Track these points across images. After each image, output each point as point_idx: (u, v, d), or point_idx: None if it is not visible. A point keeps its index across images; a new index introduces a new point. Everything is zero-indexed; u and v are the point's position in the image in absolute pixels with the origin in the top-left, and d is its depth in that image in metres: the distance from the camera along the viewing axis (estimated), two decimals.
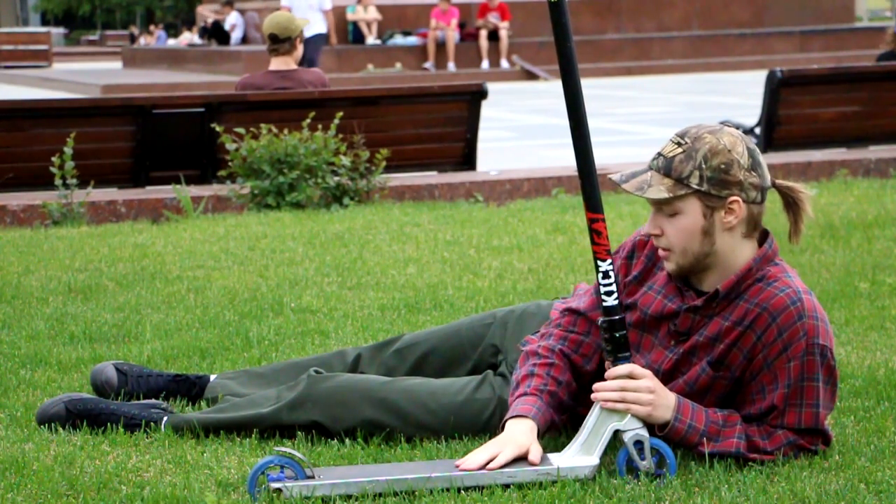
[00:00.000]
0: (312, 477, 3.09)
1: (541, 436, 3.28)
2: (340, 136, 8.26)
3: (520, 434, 3.23)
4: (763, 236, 3.35)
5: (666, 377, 3.33)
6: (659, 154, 3.27)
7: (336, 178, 8.17)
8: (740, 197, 3.23)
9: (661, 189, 3.22)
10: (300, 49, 8.56)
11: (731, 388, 3.32)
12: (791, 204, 3.36)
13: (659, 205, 3.25)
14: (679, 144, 3.25)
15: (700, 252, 3.27)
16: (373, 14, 26.13)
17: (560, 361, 3.41)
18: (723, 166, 3.21)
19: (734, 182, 3.22)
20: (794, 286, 3.28)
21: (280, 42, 8.42)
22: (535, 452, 3.19)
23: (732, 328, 3.27)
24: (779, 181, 3.35)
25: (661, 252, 3.32)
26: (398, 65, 25.27)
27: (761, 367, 3.26)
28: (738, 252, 3.29)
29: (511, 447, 3.19)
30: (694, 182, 3.21)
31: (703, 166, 3.21)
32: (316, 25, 17.50)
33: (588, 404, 3.27)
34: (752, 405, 3.28)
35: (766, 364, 3.25)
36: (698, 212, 3.24)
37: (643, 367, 3.32)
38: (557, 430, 3.46)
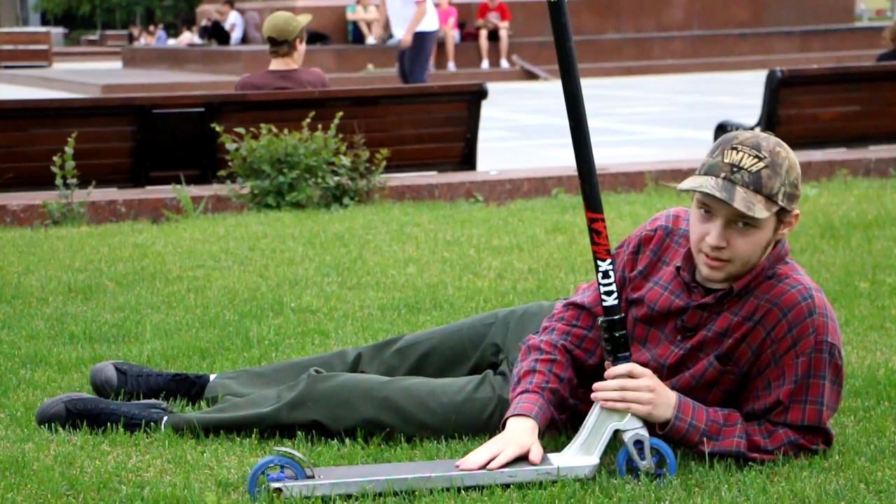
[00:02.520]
0: (312, 477, 3.09)
1: (541, 435, 3.28)
2: (340, 136, 8.26)
3: (521, 433, 3.23)
4: None
5: (671, 371, 3.33)
6: (737, 168, 3.18)
7: (336, 178, 8.17)
8: (798, 210, 3.26)
9: (761, 209, 3.17)
10: (301, 49, 8.56)
11: (737, 382, 3.32)
12: None
13: (740, 219, 3.21)
14: (759, 158, 3.19)
15: (755, 262, 3.27)
16: (373, 14, 26.13)
17: (562, 357, 3.41)
18: (795, 181, 3.23)
19: (798, 196, 3.25)
20: (805, 283, 3.29)
21: (279, 44, 8.42)
22: (536, 452, 3.19)
23: (742, 323, 3.27)
24: None
25: (714, 262, 3.25)
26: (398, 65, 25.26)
27: (769, 363, 3.27)
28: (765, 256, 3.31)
29: (512, 446, 3.19)
30: (780, 199, 3.20)
31: (786, 182, 3.20)
32: (422, 21, 14.59)
33: (591, 401, 3.27)
34: (758, 400, 3.28)
35: (773, 359, 3.26)
36: (772, 227, 3.24)
37: (648, 361, 3.33)
38: (557, 429, 3.46)
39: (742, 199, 3.16)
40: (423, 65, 14.68)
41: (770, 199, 3.19)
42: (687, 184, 3.21)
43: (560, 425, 3.48)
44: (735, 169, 3.19)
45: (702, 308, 3.32)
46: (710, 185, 3.18)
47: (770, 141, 3.24)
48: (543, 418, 3.29)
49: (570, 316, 3.49)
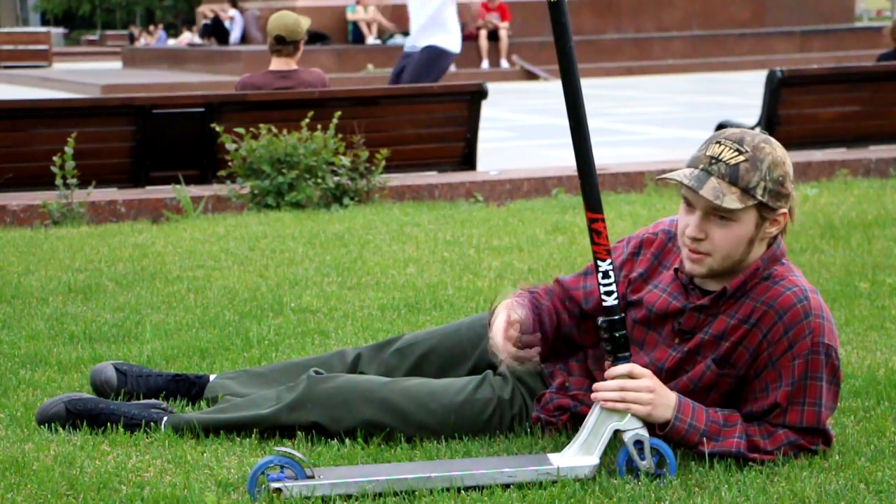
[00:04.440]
0: (312, 477, 3.09)
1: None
2: (340, 135, 8.26)
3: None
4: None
5: (669, 375, 3.33)
6: (716, 159, 3.21)
7: (336, 178, 8.17)
8: (786, 209, 3.25)
9: (733, 199, 3.19)
10: (301, 51, 8.58)
11: (735, 385, 3.32)
12: None
13: (715, 210, 3.23)
14: (740, 152, 3.21)
15: (738, 259, 3.27)
16: (373, 14, 26.13)
17: (542, 291, 3.58)
18: (781, 179, 3.22)
19: (786, 194, 3.24)
20: (801, 285, 3.29)
21: (286, 44, 8.43)
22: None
23: (738, 326, 3.27)
24: None
25: (694, 255, 3.28)
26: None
27: (766, 365, 3.27)
28: (755, 255, 3.30)
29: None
30: (759, 193, 3.20)
31: (768, 178, 3.20)
32: (441, 33, 12.06)
33: (591, 401, 3.27)
34: (756, 403, 3.28)
35: (770, 362, 3.26)
36: (752, 222, 3.23)
37: (645, 364, 3.33)
38: (557, 429, 3.46)
39: (712, 189, 3.19)
40: (426, 81, 12.17)
41: (747, 192, 3.20)
42: (667, 174, 3.24)
43: (560, 425, 3.49)
44: (713, 161, 3.22)
45: (698, 310, 3.33)
46: (683, 174, 3.23)
47: (757, 137, 3.25)
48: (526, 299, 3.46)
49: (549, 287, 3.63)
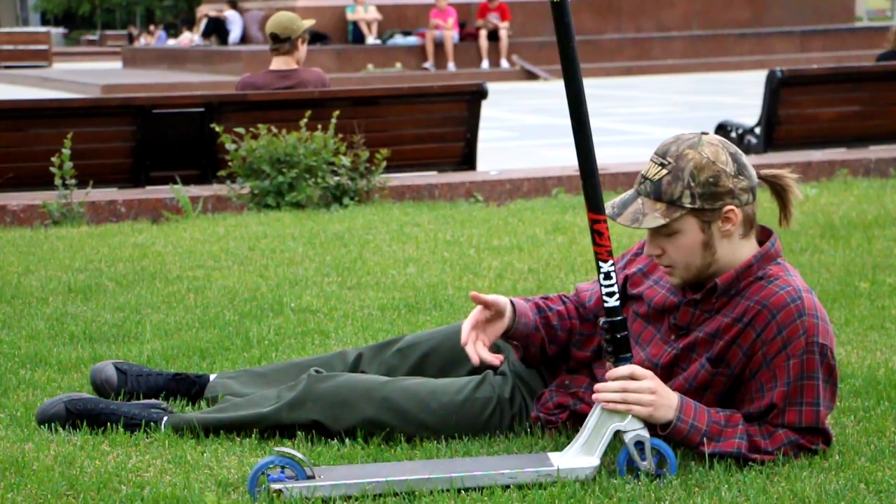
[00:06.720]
0: (312, 477, 3.09)
1: (517, 327, 3.47)
2: (340, 135, 8.26)
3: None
4: (766, 236, 3.36)
5: (665, 372, 3.33)
6: (644, 178, 3.27)
7: (336, 178, 8.17)
8: (734, 204, 3.25)
9: (656, 216, 3.23)
10: (302, 50, 8.56)
11: (730, 385, 3.32)
12: (779, 190, 3.39)
13: (657, 227, 3.25)
14: (663, 165, 3.24)
15: (703, 264, 3.28)
16: (373, 14, 26.14)
17: (556, 297, 3.59)
18: (711, 180, 3.22)
19: (725, 192, 3.23)
20: (795, 284, 3.28)
21: (281, 42, 8.41)
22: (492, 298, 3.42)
23: (732, 325, 3.28)
24: (763, 172, 3.36)
25: (664, 269, 3.33)
26: (398, 65, 25.28)
27: (760, 365, 3.27)
28: (739, 252, 3.31)
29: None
30: (687, 202, 3.22)
31: (693, 184, 3.22)
32: None
33: (592, 401, 3.27)
34: (752, 403, 3.28)
35: (765, 362, 3.26)
36: (696, 228, 3.25)
37: (643, 360, 3.34)
38: (557, 429, 3.46)
39: (631, 214, 3.24)
40: None
41: (673, 204, 3.22)
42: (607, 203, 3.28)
43: (560, 424, 3.49)
44: (643, 180, 3.28)
45: (692, 304, 3.34)
46: (612, 202, 3.28)
47: (684, 144, 3.25)
48: (521, 306, 3.47)
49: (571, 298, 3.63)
